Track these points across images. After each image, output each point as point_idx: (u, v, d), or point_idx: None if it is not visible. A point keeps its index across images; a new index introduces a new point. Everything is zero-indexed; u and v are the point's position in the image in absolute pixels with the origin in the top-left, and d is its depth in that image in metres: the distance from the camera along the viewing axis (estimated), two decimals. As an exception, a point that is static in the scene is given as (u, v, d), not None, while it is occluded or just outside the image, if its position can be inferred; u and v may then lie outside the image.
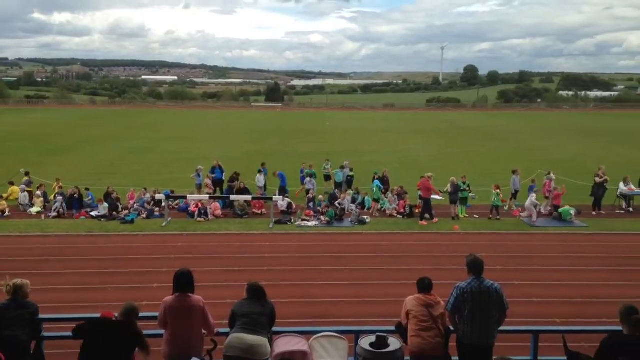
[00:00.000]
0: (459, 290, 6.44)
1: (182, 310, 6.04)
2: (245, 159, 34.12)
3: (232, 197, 21.05)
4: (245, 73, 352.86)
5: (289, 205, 21.24)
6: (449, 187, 20.69)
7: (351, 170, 24.50)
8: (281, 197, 21.48)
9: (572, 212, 20.04)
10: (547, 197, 21.38)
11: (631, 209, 21.46)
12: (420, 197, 20.56)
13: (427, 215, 20.12)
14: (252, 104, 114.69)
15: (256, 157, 32.97)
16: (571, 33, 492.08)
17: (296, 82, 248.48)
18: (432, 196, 20.50)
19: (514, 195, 21.92)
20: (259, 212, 21.21)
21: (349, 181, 24.01)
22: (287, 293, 12.72)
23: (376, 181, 22.19)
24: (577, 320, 10.59)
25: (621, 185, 21.78)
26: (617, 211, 21.45)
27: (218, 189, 23.17)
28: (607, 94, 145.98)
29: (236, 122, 69.30)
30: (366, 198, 21.97)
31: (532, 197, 20.23)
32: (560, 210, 20.21)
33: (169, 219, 19.95)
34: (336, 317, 11.36)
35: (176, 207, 21.61)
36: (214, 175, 23.19)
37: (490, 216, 20.41)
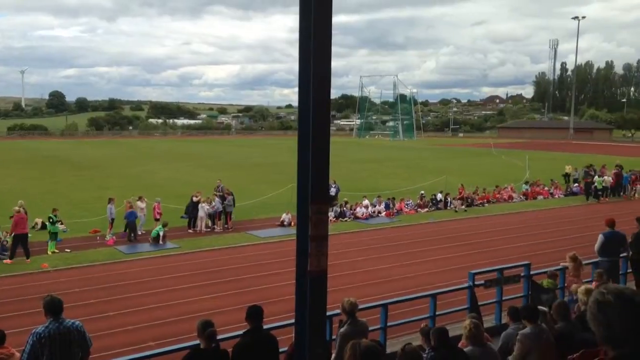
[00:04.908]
0: (36, 336, 5.85)
1: None
2: None
3: None
4: None
5: None
6: None
7: None
8: None
9: (161, 232, 20.91)
10: (157, 219, 22.19)
11: (216, 227, 23.67)
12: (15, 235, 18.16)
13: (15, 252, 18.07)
14: None
15: None
16: (156, 64, 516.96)
17: None
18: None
19: (111, 223, 21.61)
20: None
21: None
22: None
23: None
24: (170, 340, 10.94)
25: (205, 206, 23.78)
26: (204, 229, 23.31)
27: None
28: (192, 121, 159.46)
29: None
30: None
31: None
32: (155, 230, 20.94)
33: None
34: None
35: None
36: None
37: None
